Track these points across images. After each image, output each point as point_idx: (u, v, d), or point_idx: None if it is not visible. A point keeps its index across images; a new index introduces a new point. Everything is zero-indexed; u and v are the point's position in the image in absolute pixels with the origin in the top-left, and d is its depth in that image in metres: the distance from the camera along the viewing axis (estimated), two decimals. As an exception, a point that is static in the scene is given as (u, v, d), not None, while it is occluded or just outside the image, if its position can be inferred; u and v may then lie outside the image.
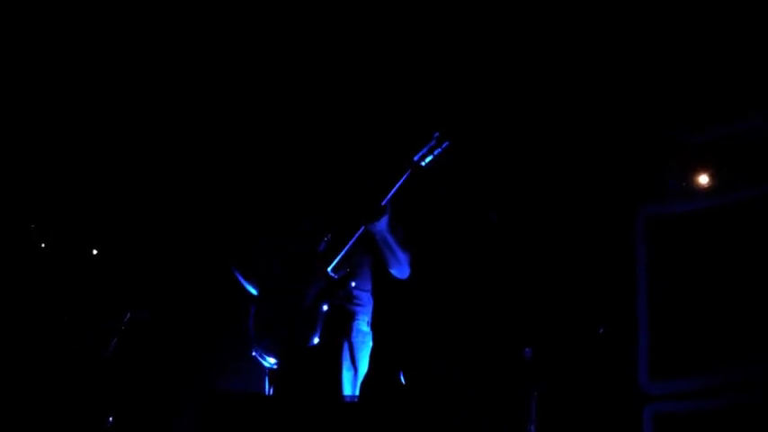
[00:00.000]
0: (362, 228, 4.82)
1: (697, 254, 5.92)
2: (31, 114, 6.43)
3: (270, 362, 4.91)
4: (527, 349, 5.63)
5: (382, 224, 4.80)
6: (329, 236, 4.97)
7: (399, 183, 4.84)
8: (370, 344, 5.03)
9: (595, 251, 6.06)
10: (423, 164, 4.88)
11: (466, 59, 6.07)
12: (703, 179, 6.04)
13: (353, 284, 4.95)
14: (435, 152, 4.88)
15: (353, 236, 4.82)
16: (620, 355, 5.93)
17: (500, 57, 6.04)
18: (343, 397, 4.83)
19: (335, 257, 4.84)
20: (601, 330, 5.95)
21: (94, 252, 6.35)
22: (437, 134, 4.89)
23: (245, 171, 6.28)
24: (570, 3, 5.87)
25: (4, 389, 5.94)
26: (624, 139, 6.06)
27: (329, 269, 4.84)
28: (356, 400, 4.85)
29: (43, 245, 6.23)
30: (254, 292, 5.14)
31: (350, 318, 4.95)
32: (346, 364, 4.89)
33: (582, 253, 6.07)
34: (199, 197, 6.47)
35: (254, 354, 4.96)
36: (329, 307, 4.86)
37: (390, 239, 4.87)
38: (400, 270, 4.99)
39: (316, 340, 4.81)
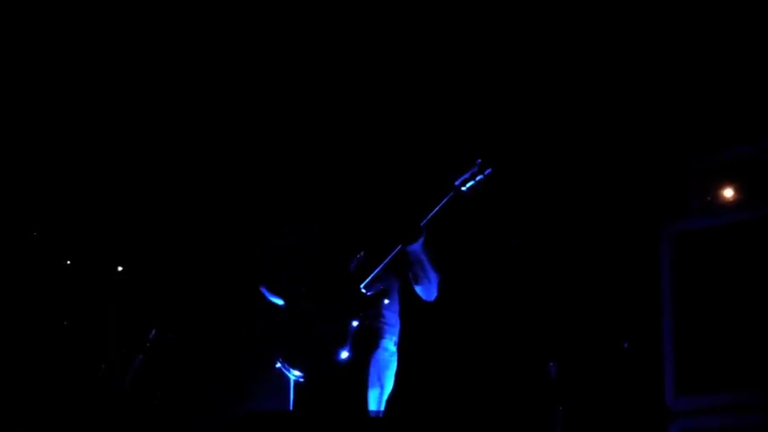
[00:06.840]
0: (398, 247, 4.84)
1: (721, 269, 5.89)
2: (56, 132, 6.49)
3: (295, 374, 4.92)
4: (552, 365, 5.63)
5: (418, 245, 4.83)
6: (362, 253, 5.00)
7: (439, 206, 4.87)
8: (396, 363, 5.04)
9: (620, 266, 6.06)
10: (463, 189, 4.93)
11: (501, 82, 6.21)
12: (727, 194, 6.03)
13: (385, 302, 4.97)
14: (477, 178, 4.92)
15: (389, 255, 4.85)
16: (646, 371, 5.91)
17: (526, 78, 6.12)
18: (369, 412, 4.84)
19: (368, 275, 4.87)
20: (626, 346, 5.94)
21: (119, 269, 6.38)
22: (480, 161, 4.94)
23: (275, 189, 6.33)
24: (592, 31, 5.94)
25: (29, 405, 5.96)
26: (648, 155, 6.07)
27: (361, 286, 4.87)
28: (381, 415, 4.85)
29: (68, 262, 6.26)
30: (279, 302, 5.15)
31: (378, 336, 4.96)
32: (372, 380, 4.90)
33: (606, 268, 6.08)
34: (223, 214, 6.51)
35: (278, 365, 4.96)
36: (358, 324, 4.88)
37: (424, 259, 4.89)
38: (428, 289, 5.00)
39: (344, 355, 4.82)
